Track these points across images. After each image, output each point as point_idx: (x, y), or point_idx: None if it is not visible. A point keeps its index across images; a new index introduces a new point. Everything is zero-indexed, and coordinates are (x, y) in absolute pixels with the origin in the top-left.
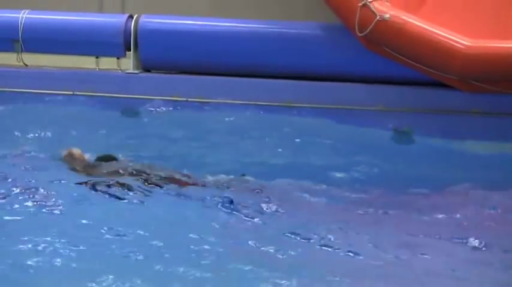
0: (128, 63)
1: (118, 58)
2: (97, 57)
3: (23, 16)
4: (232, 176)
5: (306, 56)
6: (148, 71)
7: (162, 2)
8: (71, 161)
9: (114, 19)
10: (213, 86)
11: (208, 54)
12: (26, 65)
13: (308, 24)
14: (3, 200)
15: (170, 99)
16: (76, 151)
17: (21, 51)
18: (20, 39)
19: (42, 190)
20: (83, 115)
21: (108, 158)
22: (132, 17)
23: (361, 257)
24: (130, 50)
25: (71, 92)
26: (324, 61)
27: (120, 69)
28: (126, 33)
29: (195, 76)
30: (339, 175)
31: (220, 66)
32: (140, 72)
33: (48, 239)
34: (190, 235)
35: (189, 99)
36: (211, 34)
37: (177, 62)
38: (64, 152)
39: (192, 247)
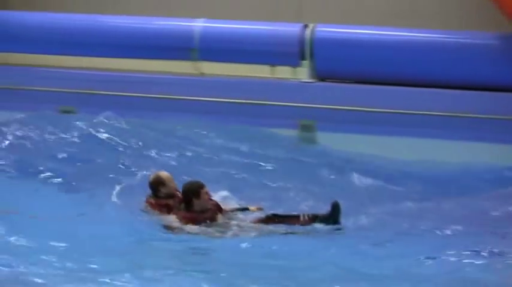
0: (303, 72)
1: (293, 67)
2: (272, 66)
3: (200, 25)
4: None
5: (485, 65)
6: (324, 80)
7: (338, 11)
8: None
9: (289, 28)
10: (388, 95)
11: (384, 64)
12: (202, 74)
13: (487, 35)
14: None
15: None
16: (163, 174)
17: (198, 59)
18: (197, 48)
19: None
20: None
21: (195, 187)
22: (307, 26)
23: None
24: (305, 59)
25: (245, 101)
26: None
27: (296, 79)
28: (302, 42)
29: (372, 86)
30: None
31: (396, 75)
32: (315, 81)
33: None
34: None
35: (366, 109)
36: (388, 44)
37: (353, 71)
38: (152, 176)
39: None
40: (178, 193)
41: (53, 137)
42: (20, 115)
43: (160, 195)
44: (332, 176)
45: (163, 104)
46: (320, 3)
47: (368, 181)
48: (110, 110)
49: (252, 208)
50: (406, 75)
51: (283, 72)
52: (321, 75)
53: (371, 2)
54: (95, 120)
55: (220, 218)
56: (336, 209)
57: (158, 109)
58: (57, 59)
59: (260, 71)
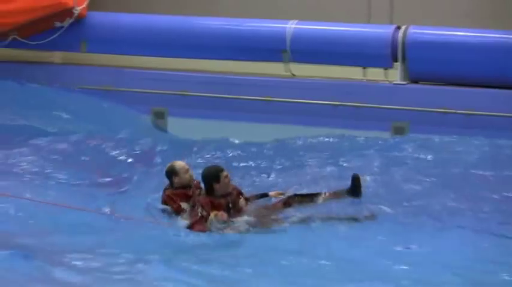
0: (395, 74)
1: (385, 69)
2: (364, 68)
3: (292, 27)
4: None
5: None
6: (416, 82)
7: (430, 12)
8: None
9: (381, 30)
10: (481, 98)
11: (477, 66)
12: (294, 75)
13: None
14: None
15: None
16: (177, 164)
17: (289, 61)
18: (289, 49)
19: None
20: None
21: (214, 171)
22: (400, 28)
23: None
24: (397, 61)
25: (338, 103)
26: None
27: (388, 81)
28: (394, 44)
29: (464, 88)
30: None
31: (490, 78)
32: (408, 84)
33: None
34: None
35: (457, 112)
36: (482, 46)
37: (445, 73)
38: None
39: None
40: (196, 182)
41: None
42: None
43: (174, 185)
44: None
45: (253, 106)
46: (412, 4)
47: None
48: (201, 111)
49: (271, 193)
50: (500, 78)
51: (375, 74)
52: (414, 77)
53: (464, 4)
54: None
55: (242, 202)
56: (356, 182)
57: (248, 111)
58: (150, 60)
59: (351, 73)
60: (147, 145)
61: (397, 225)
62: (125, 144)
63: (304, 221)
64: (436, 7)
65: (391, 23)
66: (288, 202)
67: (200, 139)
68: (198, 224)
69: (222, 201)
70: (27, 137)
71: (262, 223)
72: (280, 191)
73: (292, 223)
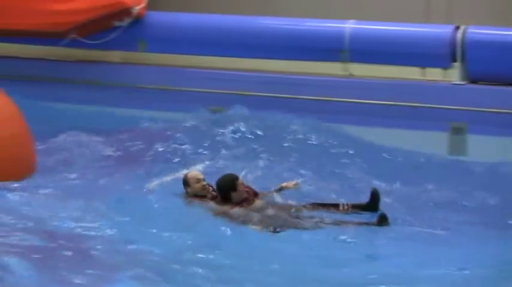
0: (453, 74)
1: (444, 69)
2: (422, 68)
3: (350, 26)
4: None
5: None
6: (475, 82)
7: (489, 12)
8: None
9: (439, 30)
10: None
11: None
12: (351, 75)
13: None
14: None
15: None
16: (189, 174)
17: (347, 61)
18: (347, 49)
19: None
20: None
21: (230, 181)
22: (459, 28)
23: None
24: (456, 61)
25: (395, 103)
26: None
27: (447, 81)
28: (453, 44)
29: None
30: None
31: None
32: (466, 84)
33: None
34: None
35: None
36: None
37: (505, 73)
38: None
39: None
40: (209, 189)
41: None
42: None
43: (189, 194)
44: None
45: (311, 106)
46: (471, 4)
47: None
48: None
49: (285, 184)
50: None
51: (433, 74)
52: (473, 77)
53: None
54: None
55: (258, 202)
56: (375, 196)
57: (306, 110)
58: (209, 60)
59: (409, 73)
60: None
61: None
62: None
63: (319, 223)
64: (495, 7)
65: (449, 22)
66: (306, 206)
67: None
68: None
69: (240, 207)
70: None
71: (280, 222)
72: (294, 182)
73: (306, 225)
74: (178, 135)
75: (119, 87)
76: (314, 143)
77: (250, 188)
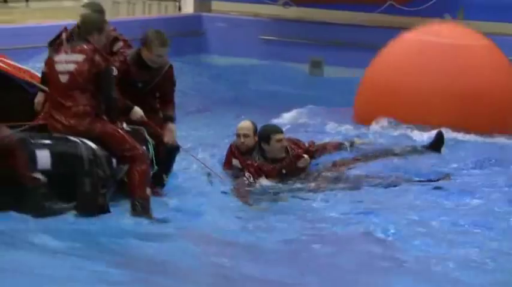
0: None
1: None
2: None
3: None
4: None
5: None
6: None
7: None
8: None
9: None
10: None
11: None
12: None
13: None
14: None
15: None
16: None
17: None
18: None
19: None
20: None
21: (266, 131)
22: None
23: None
24: None
25: None
26: None
27: None
28: None
29: None
30: None
31: None
32: None
33: None
34: None
35: None
36: None
37: None
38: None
39: None
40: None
41: None
42: None
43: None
44: None
45: None
46: None
47: None
48: None
49: (357, 139)
50: None
51: None
52: None
53: None
54: None
55: (302, 163)
56: (439, 137)
57: None
58: None
59: None
60: None
61: None
62: None
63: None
64: None
65: None
66: (357, 159)
67: None
68: (240, 193)
69: (275, 167)
70: None
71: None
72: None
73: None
74: None
75: None
76: None
77: (298, 153)
